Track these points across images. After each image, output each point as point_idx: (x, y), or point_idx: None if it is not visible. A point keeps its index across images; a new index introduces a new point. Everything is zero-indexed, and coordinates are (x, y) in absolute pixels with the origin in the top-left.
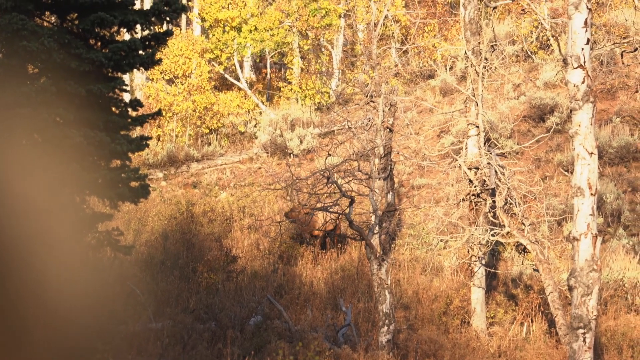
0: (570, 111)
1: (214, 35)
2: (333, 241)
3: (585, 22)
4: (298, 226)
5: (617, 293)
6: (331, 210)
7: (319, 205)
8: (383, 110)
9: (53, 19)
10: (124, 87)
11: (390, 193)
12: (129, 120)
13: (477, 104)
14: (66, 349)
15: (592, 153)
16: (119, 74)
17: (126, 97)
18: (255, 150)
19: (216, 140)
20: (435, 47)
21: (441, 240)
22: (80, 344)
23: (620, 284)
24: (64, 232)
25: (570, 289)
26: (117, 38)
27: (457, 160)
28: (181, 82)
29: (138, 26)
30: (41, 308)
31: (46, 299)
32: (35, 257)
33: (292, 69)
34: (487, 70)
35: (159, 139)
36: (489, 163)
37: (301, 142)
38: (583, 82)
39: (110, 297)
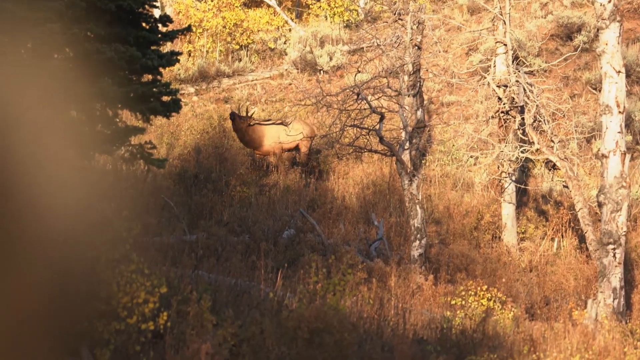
0: (598, 30)
1: None
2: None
3: None
4: (238, 136)
5: None
6: (360, 126)
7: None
8: (411, 28)
9: None
10: (154, 3)
11: (420, 110)
12: (159, 35)
13: (505, 23)
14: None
15: (619, 71)
16: None
17: (156, 13)
18: (286, 67)
19: (246, 56)
20: None
21: (471, 157)
22: (116, 256)
23: None
24: (97, 145)
25: (600, 205)
26: None
27: (485, 78)
28: None
29: None
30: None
31: (75, 211)
32: (66, 169)
33: None
34: None
35: (189, 55)
36: (517, 81)
37: (331, 59)
38: (610, 1)
39: (145, 209)
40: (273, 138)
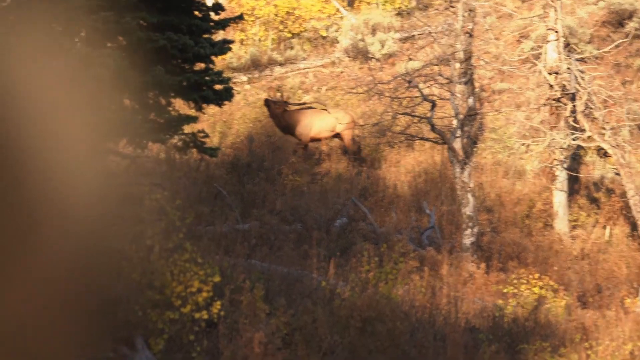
0: None
1: None
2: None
3: None
4: (275, 123)
5: None
6: (411, 114)
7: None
8: (462, 16)
9: None
10: None
11: (471, 97)
12: (212, 24)
13: (556, 10)
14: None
15: None
16: None
17: (208, 1)
18: (337, 55)
19: (299, 44)
20: None
21: (523, 144)
22: (169, 245)
23: None
24: (150, 133)
25: None
26: None
27: (537, 65)
28: None
29: None
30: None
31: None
32: (118, 158)
33: None
34: None
35: (242, 43)
36: (568, 68)
37: (382, 46)
38: None
39: (198, 198)
40: (306, 126)
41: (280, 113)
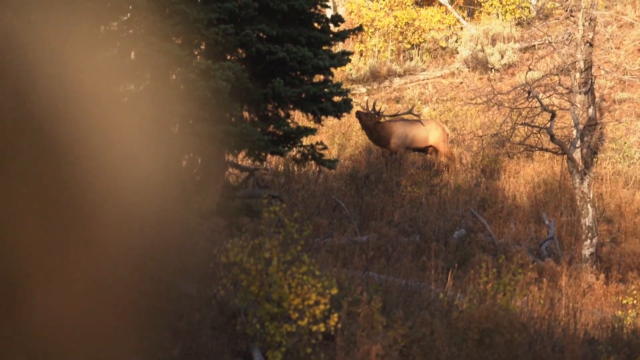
0: None
1: None
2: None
3: None
4: (367, 135)
5: None
6: (531, 124)
7: None
8: (583, 25)
9: None
10: (326, 3)
11: (592, 107)
12: (331, 35)
13: None
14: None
15: None
16: None
17: (328, 13)
18: (457, 65)
19: (418, 55)
20: None
21: None
22: (287, 257)
23: None
24: (269, 145)
25: None
26: None
27: None
28: None
29: None
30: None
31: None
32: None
33: None
34: None
35: (361, 55)
36: None
37: (502, 56)
38: None
39: (316, 210)
40: (400, 136)
41: (373, 125)
